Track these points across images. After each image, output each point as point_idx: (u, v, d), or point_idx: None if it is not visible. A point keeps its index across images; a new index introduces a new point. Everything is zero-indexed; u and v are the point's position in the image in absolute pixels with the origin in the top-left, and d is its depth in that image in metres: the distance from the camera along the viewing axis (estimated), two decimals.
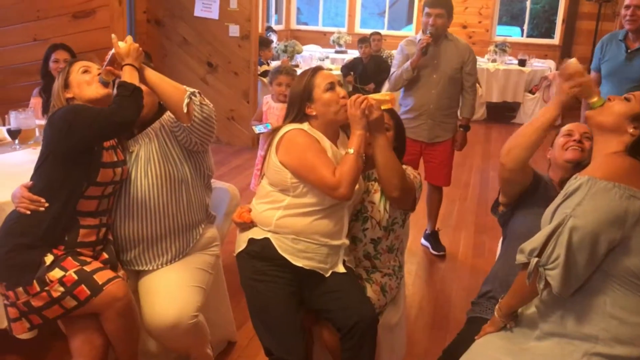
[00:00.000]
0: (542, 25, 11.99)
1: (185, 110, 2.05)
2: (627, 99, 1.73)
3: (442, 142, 3.71)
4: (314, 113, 2.08)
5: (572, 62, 1.86)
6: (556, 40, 9.46)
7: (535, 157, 2.13)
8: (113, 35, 2.07)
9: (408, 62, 3.53)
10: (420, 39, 3.54)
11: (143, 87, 2.03)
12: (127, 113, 1.95)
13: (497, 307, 1.82)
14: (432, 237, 4.02)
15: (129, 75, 2.00)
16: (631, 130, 1.68)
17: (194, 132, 2.12)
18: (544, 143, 2.27)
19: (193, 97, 2.07)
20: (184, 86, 2.11)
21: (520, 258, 1.65)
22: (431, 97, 3.59)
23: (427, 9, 3.54)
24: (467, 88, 3.67)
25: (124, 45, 2.03)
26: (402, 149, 2.37)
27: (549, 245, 1.57)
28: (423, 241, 4.09)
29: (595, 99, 1.77)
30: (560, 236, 1.55)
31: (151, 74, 2.08)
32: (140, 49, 2.07)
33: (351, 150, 1.99)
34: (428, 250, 4.00)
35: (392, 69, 3.71)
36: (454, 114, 3.74)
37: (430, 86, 3.58)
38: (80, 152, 1.98)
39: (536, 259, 1.59)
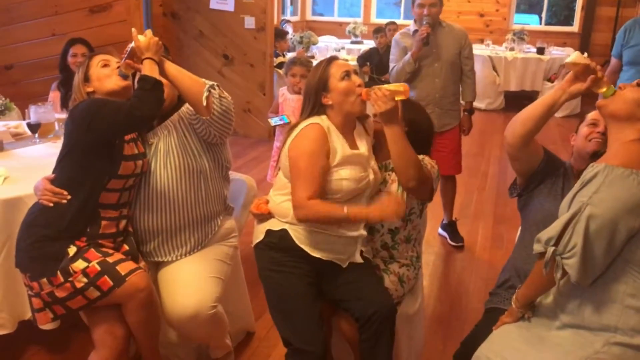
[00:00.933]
0: (561, 13, 11.79)
1: (204, 104, 2.06)
2: (639, 85, 1.70)
3: (450, 130, 3.71)
4: (330, 102, 2.08)
5: (575, 55, 1.81)
6: (575, 27, 9.33)
7: (559, 147, 2.10)
8: (133, 29, 2.07)
9: (409, 55, 3.52)
10: (415, 30, 3.54)
11: (163, 80, 2.04)
12: (148, 107, 1.97)
13: (514, 297, 1.81)
14: (450, 227, 4.00)
15: (149, 69, 2.01)
16: None
17: (213, 125, 2.13)
18: (555, 138, 2.23)
19: (212, 90, 2.08)
20: (203, 79, 2.11)
21: (537, 247, 1.64)
22: (436, 85, 3.59)
23: (418, 0, 3.52)
24: (467, 72, 3.68)
25: (144, 39, 2.04)
26: (423, 138, 2.32)
27: (565, 234, 1.56)
28: (440, 231, 4.07)
29: (604, 89, 1.73)
30: (577, 225, 1.53)
31: (171, 67, 2.09)
32: (160, 42, 2.07)
33: (345, 210, 1.97)
34: (446, 241, 3.99)
35: (391, 64, 3.68)
36: (458, 100, 3.76)
37: (434, 75, 3.58)
38: (102, 145, 2.00)
39: (553, 248, 1.58)
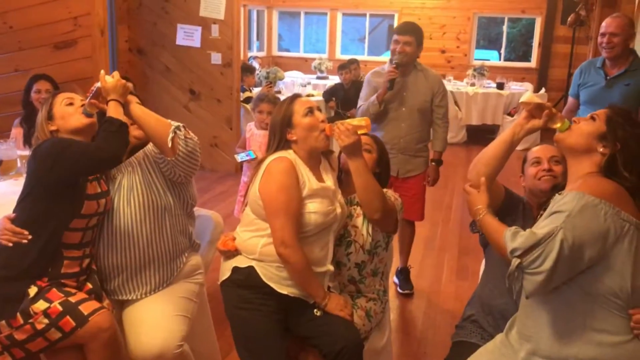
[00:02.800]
0: (519, 49, 12.25)
1: (169, 145, 2.07)
2: (593, 118, 1.76)
3: (414, 177, 3.55)
4: (295, 138, 2.11)
5: (528, 94, 1.88)
6: (533, 63, 9.68)
7: (519, 180, 2.16)
8: (102, 72, 2.09)
9: (374, 96, 3.37)
10: (387, 70, 3.40)
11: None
12: (113, 148, 1.97)
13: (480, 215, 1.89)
14: (402, 274, 3.80)
15: (114, 110, 2.02)
16: (601, 150, 1.70)
17: (178, 166, 2.13)
18: (515, 170, 2.27)
19: (178, 132, 2.09)
20: (169, 120, 2.12)
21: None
22: (401, 130, 3.44)
23: (395, 36, 3.40)
24: (438, 120, 3.51)
25: (111, 80, 2.05)
26: (385, 177, 2.40)
27: (534, 251, 1.54)
28: (394, 278, 3.84)
29: (559, 124, 1.78)
30: (548, 246, 1.52)
31: (136, 108, 2.10)
32: (128, 84, 2.09)
33: (325, 300, 2.08)
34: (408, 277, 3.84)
35: (360, 102, 3.52)
36: (426, 147, 3.58)
37: (400, 119, 3.43)
38: (65, 185, 1.98)
39: (518, 261, 1.56)
